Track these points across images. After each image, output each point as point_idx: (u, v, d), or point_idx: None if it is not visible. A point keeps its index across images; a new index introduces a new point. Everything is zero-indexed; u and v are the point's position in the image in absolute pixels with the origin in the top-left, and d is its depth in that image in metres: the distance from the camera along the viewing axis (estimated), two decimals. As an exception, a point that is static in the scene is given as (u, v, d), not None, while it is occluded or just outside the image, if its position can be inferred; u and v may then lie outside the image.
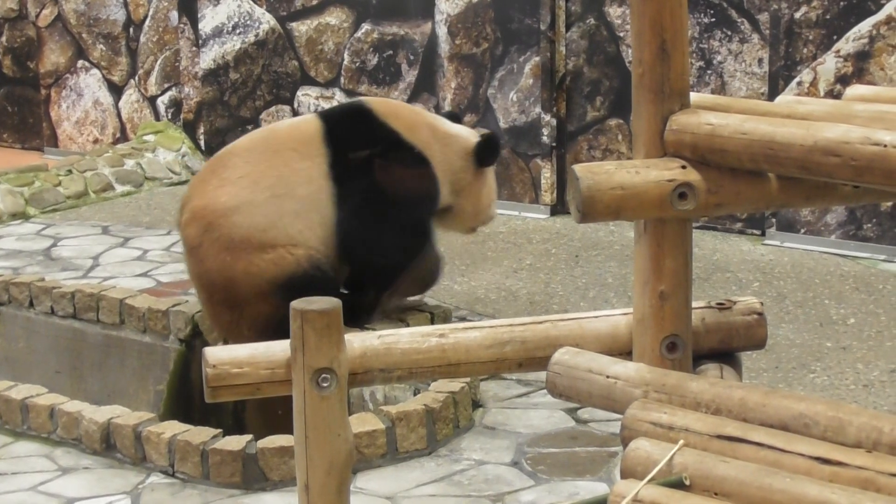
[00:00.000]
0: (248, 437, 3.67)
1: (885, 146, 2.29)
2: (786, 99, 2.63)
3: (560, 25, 5.83)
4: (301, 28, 6.54)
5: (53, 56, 7.32)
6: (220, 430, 3.78)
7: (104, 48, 7.18)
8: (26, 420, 4.08)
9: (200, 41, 6.73)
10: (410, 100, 6.28)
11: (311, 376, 2.46)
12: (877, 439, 2.33)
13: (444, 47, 6.19)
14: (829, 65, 5.39)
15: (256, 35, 6.66)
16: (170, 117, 7.02)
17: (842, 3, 5.40)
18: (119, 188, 6.44)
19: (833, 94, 5.19)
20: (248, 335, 3.94)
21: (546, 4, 5.78)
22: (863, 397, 4.31)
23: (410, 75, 6.40)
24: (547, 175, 5.83)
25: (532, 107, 6.05)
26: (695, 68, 5.81)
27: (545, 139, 5.82)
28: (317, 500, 2.50)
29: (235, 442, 3.65)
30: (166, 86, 7.04)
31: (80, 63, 7.30)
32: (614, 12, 5.98)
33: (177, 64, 6.93)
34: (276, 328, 3.48)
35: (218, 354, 2.63)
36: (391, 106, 4.55)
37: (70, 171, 6.41)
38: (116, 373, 4.83)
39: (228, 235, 3.98)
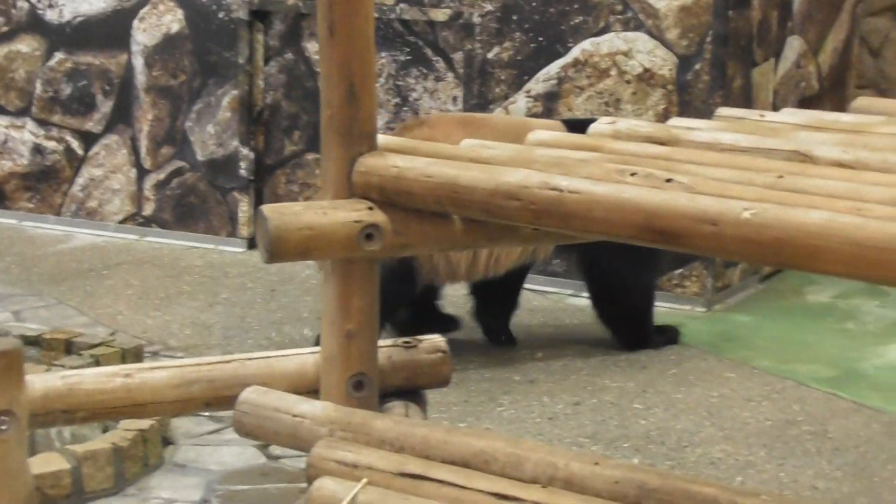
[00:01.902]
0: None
1: (562, 191, 2.40)
2: (470, 143, 2.77)
3: (258, 59, 5.95)
4: (-10, 55, 6.44)
5: None
6: None
7: None
8: None
9: None
10: (106, 131, 6.31)
11: (-11, 418, 2.33)
12: (552, 475, 2.43)
13: (141, 78, 6.15)
14: (520, 104, 5.63)
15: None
16: None
17: (532, 45, 5.63)
18: None
19: None
20: None
21: (244, 38, 5.86)
22: (548, 429, 4.45)
23: (106, 106, 6.32)
24: (244, 208, 5.92)
25: (230, 140, 6.14)
26: (391, 104, 5.98)
27: (243, 172, 5.90)
28: (-6, 546, 2.39)
29: None
30: None
31: None
32: (312, 48, 6.03)
33: None
34: None
35: None
36: None
37: None
38: None
39: None
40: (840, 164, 2.73)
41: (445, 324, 5.04)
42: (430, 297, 5.24)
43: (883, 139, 2.98)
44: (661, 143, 2.92)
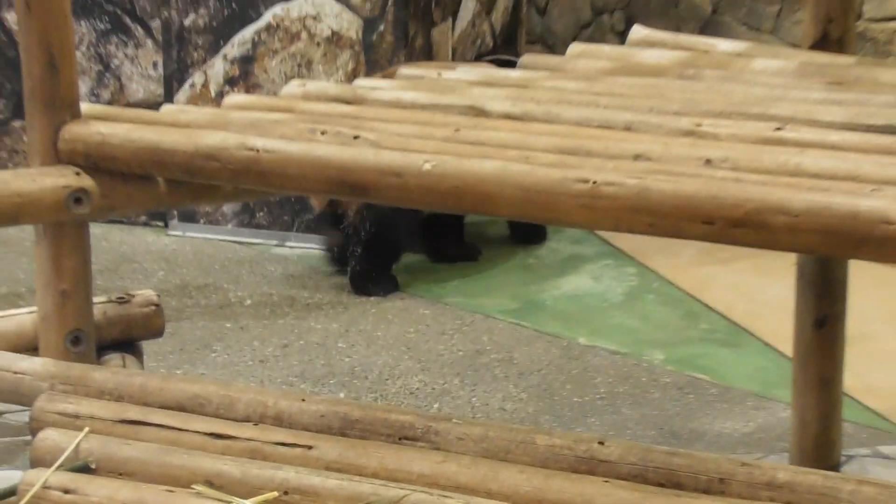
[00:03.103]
0: None
1: (258, 151, 2.53)
2: (170, 108, 2.86)
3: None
4: None
5: None
6: None
7: None
8: None
9: None
10: None
11: None
12: (262, 413, 2.56)
13: None
14: (218, 68, 5.71)
15: None
16: None
17: (226, 11, 5.70)
18: None
19: (223, 95, 5.58)
20: None
21: (-59, 7, 5.72)
22: (259, 371, 4.55)
23: None
24: (-49, 176, 5.72)
25: (-66, 107, 6.09)
26: (94, 72, 6.02)
27: (-52, 140, 5.76)
28: None
29: None
30: None
31: None
32: (12, 17, 5.89)
33: None
34: None
35: None
36: None
37: None
38: None
39: None
40: (510, 117, 2.87)
41: (468, 252, 5.58)
42: (452, 226, 5.61)
43: (547, 93, 3.14)
44: (349, 103, 3.03)
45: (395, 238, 5.40)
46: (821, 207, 2.20)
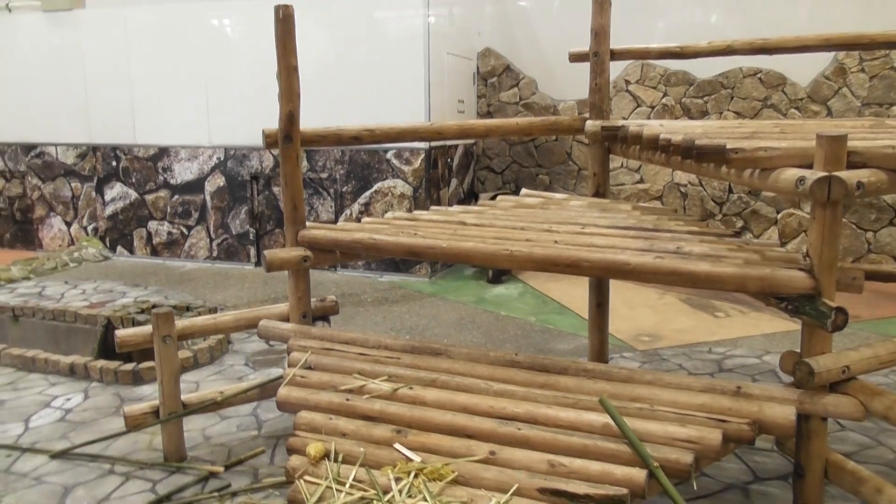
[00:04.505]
0: None
1: (376, 241, 4.04)
2: (340, 224, 4.14)
3: None
4: None
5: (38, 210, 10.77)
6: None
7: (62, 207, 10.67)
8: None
9: None
10: None
11: None
12: (378, 342, 4.02)
13: None
14: (355, 207, 9.18)
15: None
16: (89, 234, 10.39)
17: (359, 184, 9.17)
18: (71, 265, 9.76)
19: (360, 219, 7.55)
20: None
21: None
22: (373, 328, 6.98)
23: None
24: None
25: None
26: (307, 210, 9.43)
27: None
28: None
29: None
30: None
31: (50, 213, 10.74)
32: (277, 190, 9.80)
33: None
34: None
35: None
36: None
37: (48, 259, 9.63)
38: (71, 342, 6.93)
39: None
40: (475, 225, 4.36)
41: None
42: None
43: (490, 214, 4.68)
44: (411, 220, 4.58)
45: None
46: (601, 259, 3.58)
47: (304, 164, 9.14)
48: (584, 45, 5.48)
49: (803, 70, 9.13)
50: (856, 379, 3.45)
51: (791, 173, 3.26)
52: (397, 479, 3.16)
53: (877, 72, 8.91)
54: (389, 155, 8.89)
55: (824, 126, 4.37)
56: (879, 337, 6.46)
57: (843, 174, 3.12)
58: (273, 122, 4.61)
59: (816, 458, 3.55)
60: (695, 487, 4.01)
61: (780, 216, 9.38)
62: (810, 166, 3.29)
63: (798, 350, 3.52)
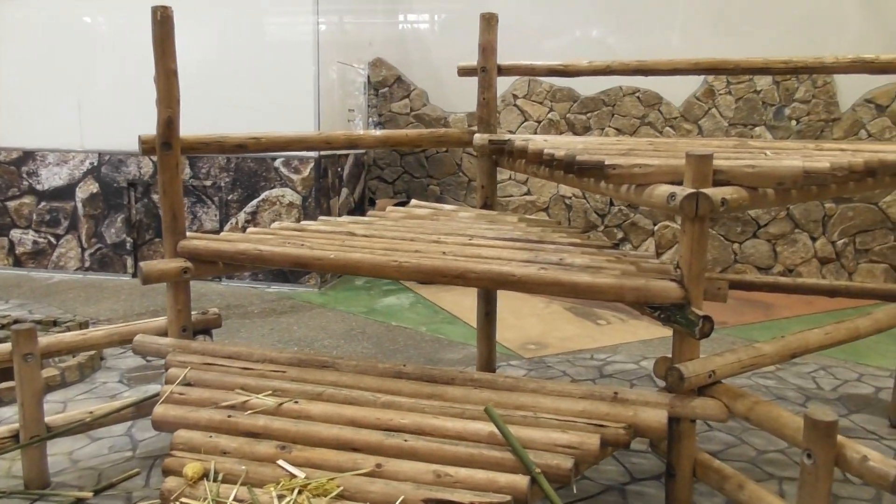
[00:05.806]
0: None
1: (261, 251, 4.08)
2: (223, 234, 4.38)
3: None
4: None
5: None
6: None
7: None
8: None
9: None
10: None
11: None
12: (262, 356, 4.05)
13: None
14: (241, 216, 9.11)
15: None
16: None
17: (245, 192, 9.03)
18: None
19: (245, 229, 8.64)
20: None
21: None
22: (260, 341, 6.92)
23: None
24: None
25: None
26: (190, 219, 9.02)
27: None
28: None
29: None
30: None
31: None
32: (156, 197, 9.61)
33: None
34: None
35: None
36: None
37: None
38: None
39: None
40: (365, 236, 4.43)
41: None
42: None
43: (380, 225, 4.79)
44: (298, 231, 4.63)
45: None
46: (487, 270, 3.68)
47: (187, 171, 9.06)
48: (473, 60, 5.59)
49: (677, 90, 9.77)
50: (721, 382, 3.67)
51: (663, 189, 3.43)
52: (280, 497, 3.13)
53: (742, 94, 9.63)
54: (278, 163, 8.95)
55: (693, 145, 4.61)
56: (743, 342, 6.93)
57: (710, 191, 3.31)
58: (153, 127, 4.50)
59: (686, 458, 3.74)
60: (574, 491, 4.13)
61: (656, 228, 10.02)
62: (681, 183, 3.48)
63: (670, 356, 3.69)
